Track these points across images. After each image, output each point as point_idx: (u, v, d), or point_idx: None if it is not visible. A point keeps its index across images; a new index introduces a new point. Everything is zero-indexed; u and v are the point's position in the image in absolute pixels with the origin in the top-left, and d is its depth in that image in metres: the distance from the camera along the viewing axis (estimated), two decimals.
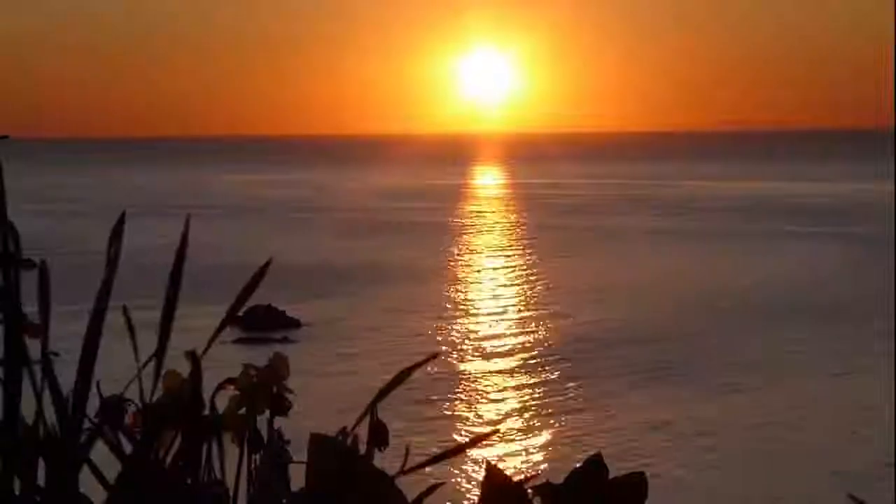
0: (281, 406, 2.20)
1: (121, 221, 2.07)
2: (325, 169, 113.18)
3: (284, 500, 2.17)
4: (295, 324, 23.12)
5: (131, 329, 2.15)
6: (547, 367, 19.76)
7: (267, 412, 2.20)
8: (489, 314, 25.14)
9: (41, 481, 2.02)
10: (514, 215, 54.69)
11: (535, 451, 14.95)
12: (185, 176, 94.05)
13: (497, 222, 50.31)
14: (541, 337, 22.49)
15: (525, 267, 34.07)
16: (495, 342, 21.95)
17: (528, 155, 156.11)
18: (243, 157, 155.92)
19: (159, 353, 2.08)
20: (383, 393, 2.17)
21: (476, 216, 53.32)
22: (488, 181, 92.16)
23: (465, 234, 43.37)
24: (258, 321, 21.96)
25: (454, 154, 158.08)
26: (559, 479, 2.46)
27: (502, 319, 24.53)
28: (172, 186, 76.75)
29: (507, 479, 2.39)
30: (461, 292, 27.98)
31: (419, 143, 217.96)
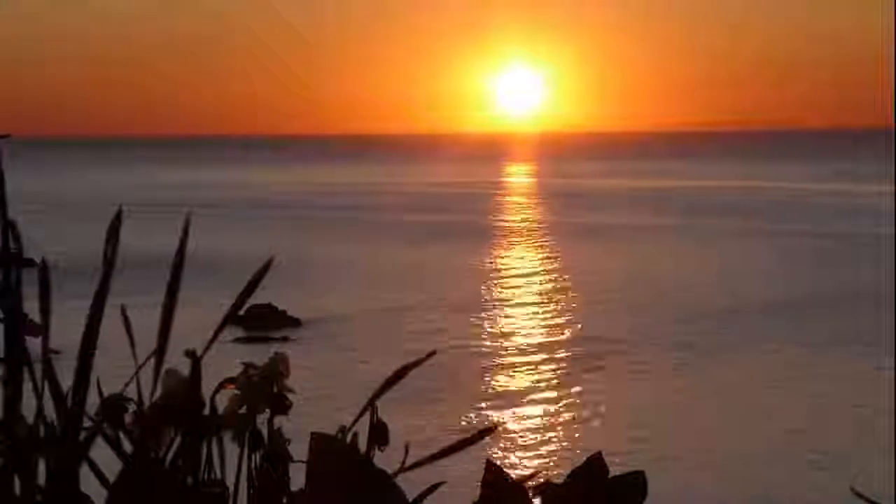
0: (281, 405, 2.20)
1: (117, 219, 2.08)
2: (350, 166, 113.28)
3: (285, 500, 2.17)
4: (295, 323, 23.11)
5: (128, 328, 2.15)
6: (550, 367, 19.77)
7: (267, 411, 2.20)
8: (496, 313, 25.13)
9: (41, 480, 2.02)
10: (532, 213, 54.68)
11: (536, 447, 14.97)
12: (234, 174, 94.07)
13: (513, 221, 50.28)
14: (546, 336, 22.49)
15: (540, 264, 34.07)
16: (500, 341, 21.94)
17: (554, 154, 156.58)
18: (280, 154, 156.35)
19: (159, 352, 2.08)
20: (382, 390, 2.17)
21: (492, 215, 53.27)
22: (513, 179, 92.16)
23: (475, 233, 43.31)
24: (258, 320, 21.95)
25: (484, 152, 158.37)
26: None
27: (509, 318, 24.52)
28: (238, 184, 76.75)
29: (507, 477, 2.39)
30: (468, 291, 27.96)
31: (452, 142, 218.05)
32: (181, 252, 2.06)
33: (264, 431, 2.19)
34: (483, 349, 21.05)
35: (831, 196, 61.63)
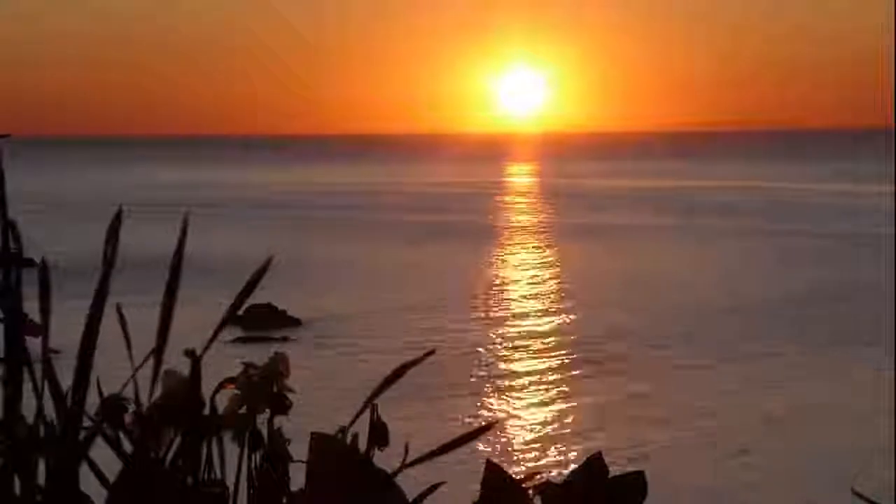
0: (281, 405, 2.20)
1: (117, 219, 2.07)
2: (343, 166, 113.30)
3: (284, 500, 2.17)
4: (295, 323, 23.12)
5: (125, 328, 2.14)
6: (551, 367, 19.77)
7: (267, 411, 2.20)
8: (496, 313, 25.13)
9: (41, 480, 2.02)
10: (533, 214, 54.67)
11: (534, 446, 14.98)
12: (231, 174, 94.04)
13: (514, 221, 50.26)
14: (547, 336, 22.49)
15: (540, 264, 34.06)
16: (500, 340, 21.95)
17: (556, 154, 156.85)
18: (285, 154, 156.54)
19: (158, 352, 2.08)
20: (380, 389, 2.17)
21: (493, 215, 53.22)
22: (515, 179, 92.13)
23: (475, 233, 43.28)
24: (258, 320, 21.94)
25: (486, 152, 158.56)
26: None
27: (509, 318, 24.51)
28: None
29: (508, 477, 2.39)
30: (468, 291, 27.95)
31: (454, 143, 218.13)
32: (180, 251, 2.06)
33: (264, 431, 2.19)
34: (483, 348, 21.05)
35: (831, 196, 61.63)
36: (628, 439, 15.04)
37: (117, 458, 2.07)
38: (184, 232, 2.06)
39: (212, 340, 2.07)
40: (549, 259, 35.51)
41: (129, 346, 2.10)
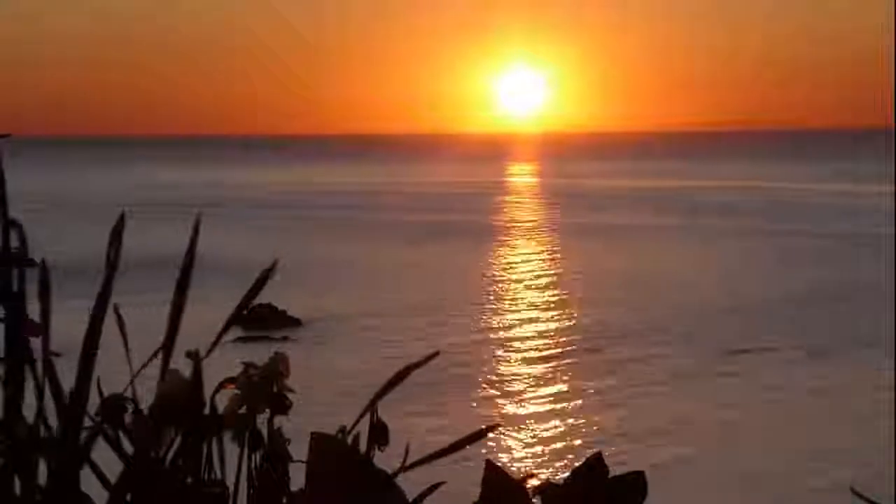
0: (281, 405, 2.21)
1: (121, 222, 2.08)
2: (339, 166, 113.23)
3: (284, 500, 2.17)
4: (295, 323, 23.10)
5: (122, 328, 2.15)
6: (552, 368, 19.77)
7: (267, 411, 2.21)
8: (497, 313, 25.12)
9: (41, 480, 2.02)
10: (534, 213, 54.64)
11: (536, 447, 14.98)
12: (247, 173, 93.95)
13: (515, 221, 50.24)
14: (548, 336, 22.49)
15: (541, 264, 34.05)
16: (501, 341, 21.94)
17: (556, 154, 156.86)
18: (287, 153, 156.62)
19: (165, 351, 2.09)
20: (384, 391, 2.17)
21: (494, 214, 53.19)
22: (515, 179, 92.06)
23: (476, 232, 43.24)
24: (258, 320, 21.92)
25: (486, 152, 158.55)
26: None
27: (510, 318, 24.51)
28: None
29: (508, 477, 2.40)
30: (469, 291, 27.93)
31: (455, 143, 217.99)
32: (191, 251, 2.07)
33: (264, 431, 2.20)
34: (484, 349, 21.05)
35: (831, 196, 61.62)
36: (627, 439, 15.04)
37: (118, 458, 2.08)
38: (195, 232, 2.07)
39: (216, 342, 2.08)
40: (550, 259, 35.50)
41: (126, 346, 2.11)
